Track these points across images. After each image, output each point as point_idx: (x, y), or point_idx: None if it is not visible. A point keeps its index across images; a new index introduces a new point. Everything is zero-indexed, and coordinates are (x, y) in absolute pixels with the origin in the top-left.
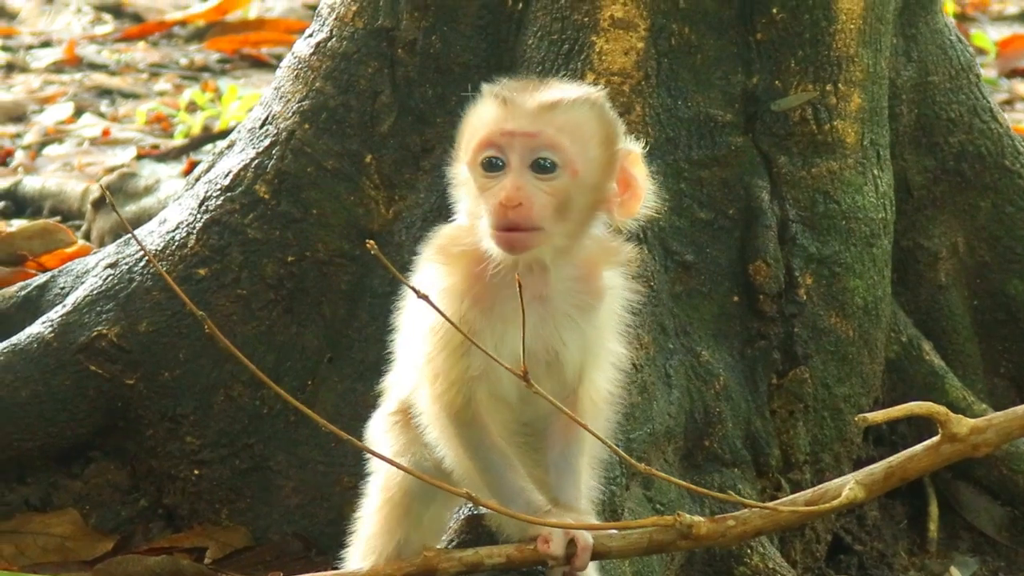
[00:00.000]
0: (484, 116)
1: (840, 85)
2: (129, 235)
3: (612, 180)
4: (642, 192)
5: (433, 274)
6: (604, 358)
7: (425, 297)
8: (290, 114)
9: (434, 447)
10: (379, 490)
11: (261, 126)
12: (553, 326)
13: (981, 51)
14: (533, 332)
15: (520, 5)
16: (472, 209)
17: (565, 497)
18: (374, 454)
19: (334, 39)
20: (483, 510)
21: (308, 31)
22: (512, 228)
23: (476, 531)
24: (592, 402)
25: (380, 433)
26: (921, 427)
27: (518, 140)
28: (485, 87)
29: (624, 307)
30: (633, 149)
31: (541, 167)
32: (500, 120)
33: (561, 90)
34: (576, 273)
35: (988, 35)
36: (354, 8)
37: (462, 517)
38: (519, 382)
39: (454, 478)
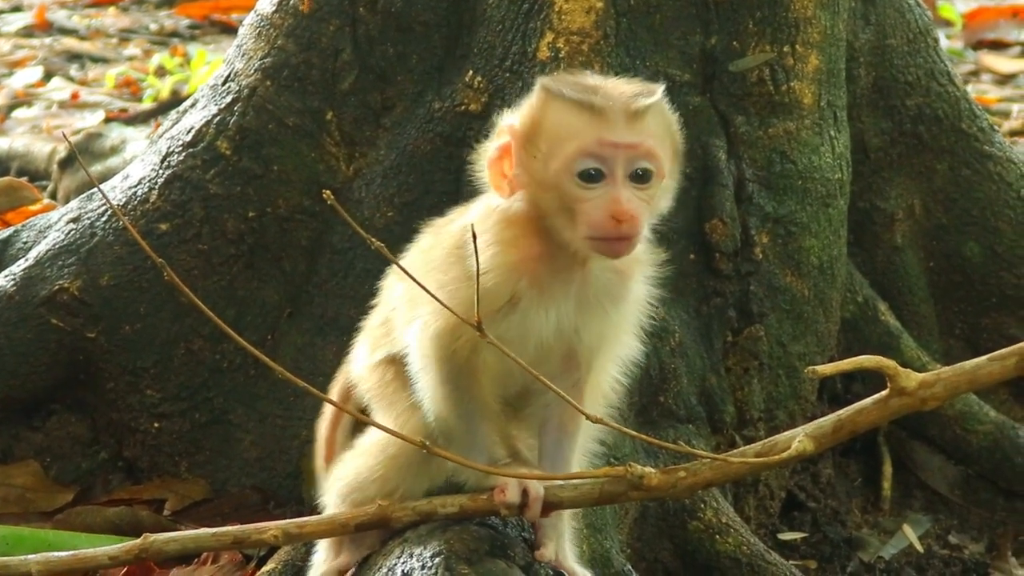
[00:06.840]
0: (571, 123)
1: (797, 46)
2: (92, 190)
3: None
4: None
5: (491, 250)
6: (618, 351)
7: (381, 248)
8: (252, 71)
9: (418, 391)
10: (375, 443)
11: (223, 83)
12: (588, 314)
13: (948, 22)
14: (569, 317)
15: None
16: (550, 209)
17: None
18: (335, 404)
19: None
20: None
21: None
22: (621, 238)
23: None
24: (598, 393)
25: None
26: (876, 387)
27: (622, 152)
28: (545, 83)
29: (646, 307)
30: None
31: (639, 177)
32: (598, 129)
33: (642, 92)
34: (615, 267)
35: (955, 7)
36: None
37: None
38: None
39: (431, 425)
